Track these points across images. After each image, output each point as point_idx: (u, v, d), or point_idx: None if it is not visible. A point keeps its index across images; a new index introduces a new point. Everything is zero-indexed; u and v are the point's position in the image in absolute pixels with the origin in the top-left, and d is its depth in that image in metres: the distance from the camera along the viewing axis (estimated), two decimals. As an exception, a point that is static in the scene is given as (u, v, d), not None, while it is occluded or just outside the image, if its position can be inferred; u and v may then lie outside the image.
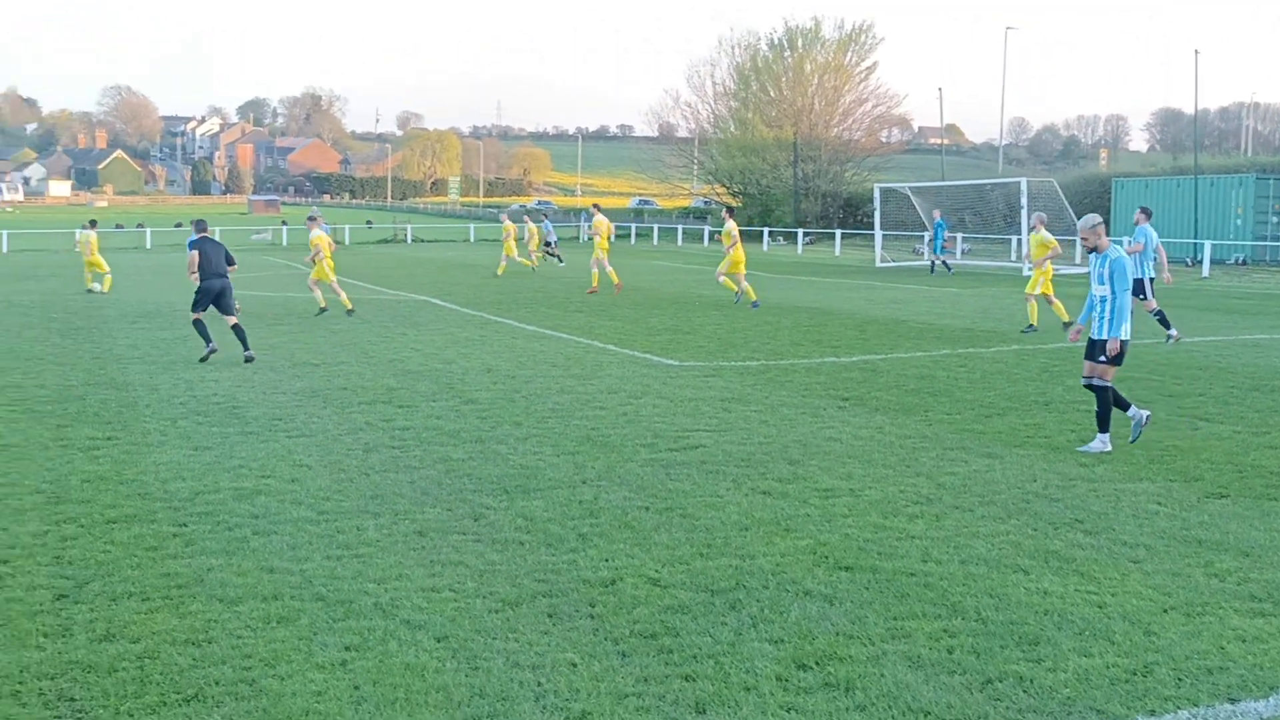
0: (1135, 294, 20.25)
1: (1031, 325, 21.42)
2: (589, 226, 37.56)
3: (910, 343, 19.90)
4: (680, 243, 72.59)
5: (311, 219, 25.31)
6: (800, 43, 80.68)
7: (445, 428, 12.23)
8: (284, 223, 76.66)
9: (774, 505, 9.10)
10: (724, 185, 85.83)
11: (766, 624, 6.52)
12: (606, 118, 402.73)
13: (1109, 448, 11.04)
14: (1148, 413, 11.43)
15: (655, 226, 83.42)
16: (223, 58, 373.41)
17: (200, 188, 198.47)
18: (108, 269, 32.41)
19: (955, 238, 50.07)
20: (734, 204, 70.06)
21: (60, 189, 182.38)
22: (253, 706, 5.48)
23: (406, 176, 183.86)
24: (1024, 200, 41.56)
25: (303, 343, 19.64)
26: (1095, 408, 11.22)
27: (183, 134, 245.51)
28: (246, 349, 17.23)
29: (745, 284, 27.09)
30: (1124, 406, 11.29)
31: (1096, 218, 11.65)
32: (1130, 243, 20.41)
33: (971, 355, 18.17)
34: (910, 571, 7.44)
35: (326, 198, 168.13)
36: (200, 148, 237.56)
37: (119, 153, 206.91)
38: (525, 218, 43.42)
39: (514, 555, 7.79)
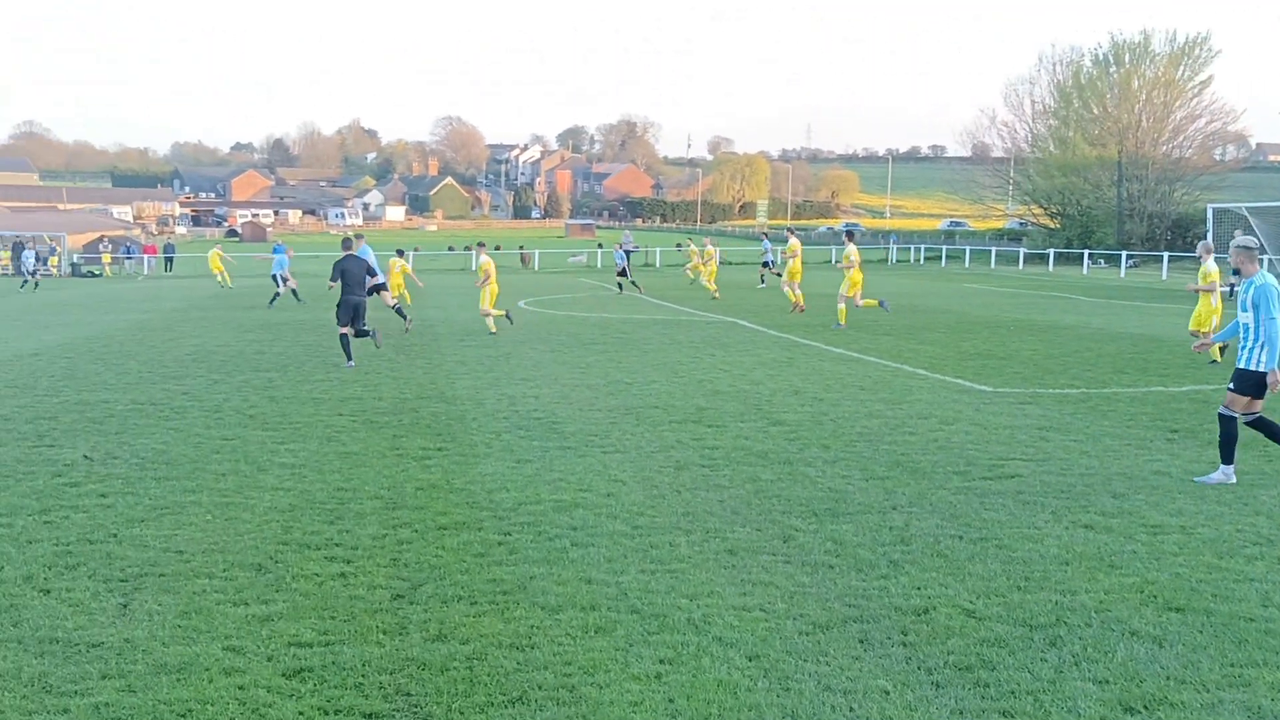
0: None
1: (1214, 360, 19.90)
2: (783, 249, 39.44)
3: (1247, 373, 18.59)
4: (993, 265, 70.52)
5: (480, 245, 28.14)
6: (1127, 58, 77.20)
7: (754, 448, 12.34)
8: (599, 245, 79.28)
9: (1097, 540, 8.72)
10: (1041, 206, 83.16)
11: (1090, 663, 6.26)
12: (917, 138, 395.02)
13: (1232, 479, 10.60)
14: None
15: (967, 248, 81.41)
16: (544, 88, 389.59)
17: (521, 212, 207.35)
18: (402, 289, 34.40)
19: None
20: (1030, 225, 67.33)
21: (395, 214, 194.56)
22: (573, 712, 5.69)
23: (716, 200, 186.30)
24: (1380, 220, 38.17)
25: (616, 361, 20.24)
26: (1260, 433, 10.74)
27: (506, 161, 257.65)
28: (350, 359, 19.84)
29: (847, 305, 27.50)
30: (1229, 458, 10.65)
31: (1246, 239, 10.85)
32: None
33: (1318, 387, 16.81)
34: (1249, 616, 6.97)
35: (639, 221, 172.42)
36: (522, 174, 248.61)
37: (449, 180, 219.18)
38: (706, 241, 43.51)
39: (824, 578, 7.78)
